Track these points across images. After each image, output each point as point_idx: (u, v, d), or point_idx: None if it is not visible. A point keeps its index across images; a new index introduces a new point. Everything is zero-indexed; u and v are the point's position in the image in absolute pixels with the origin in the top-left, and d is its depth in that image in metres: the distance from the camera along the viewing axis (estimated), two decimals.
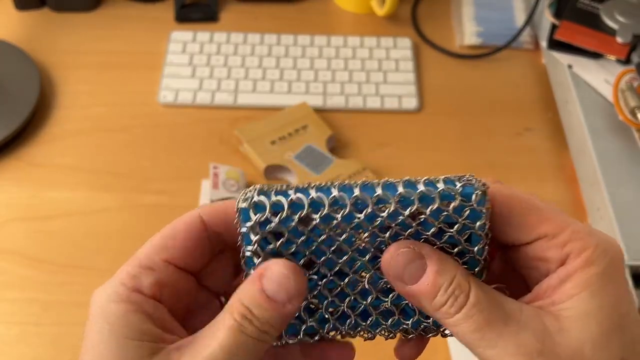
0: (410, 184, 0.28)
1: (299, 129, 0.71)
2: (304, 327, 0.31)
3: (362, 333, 0.31)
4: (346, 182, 0.29)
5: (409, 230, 0.29)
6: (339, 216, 0.28)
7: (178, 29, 0.84)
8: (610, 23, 0.74)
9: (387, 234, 0.29)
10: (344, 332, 0.31)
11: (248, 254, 0.29)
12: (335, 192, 0.28)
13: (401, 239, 0.29)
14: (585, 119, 0.69)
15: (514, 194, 0.29)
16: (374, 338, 0.32)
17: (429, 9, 0.89)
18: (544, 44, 0.79)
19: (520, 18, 0.86)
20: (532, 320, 0.27)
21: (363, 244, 0.29)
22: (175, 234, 0.30)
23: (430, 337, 0.32)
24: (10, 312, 0.59)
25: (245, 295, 0.28)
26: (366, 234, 0.29)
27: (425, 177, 0.29)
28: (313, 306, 0.31)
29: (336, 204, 0.28)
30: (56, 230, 0.65)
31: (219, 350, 0.27)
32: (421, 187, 0.28)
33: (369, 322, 0.31)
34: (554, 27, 0.77)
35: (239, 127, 0.72)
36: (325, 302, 0.31)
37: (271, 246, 0.29)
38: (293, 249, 0.29)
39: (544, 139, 0.75)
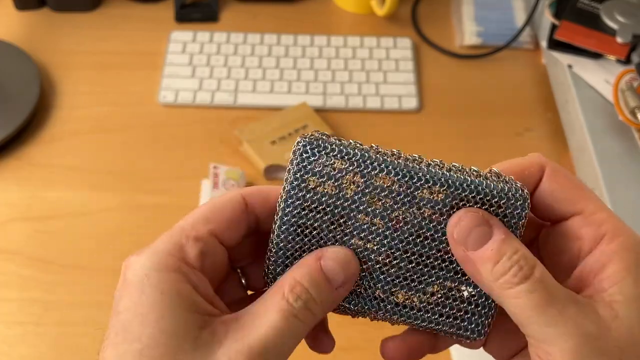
0: (460, 174, 0.29)
1: (299, 129, 0.71)
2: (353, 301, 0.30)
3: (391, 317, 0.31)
4: (404, 155, 0.30)
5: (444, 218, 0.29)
6: (388, 182, 0.29)
7: (178, 29, 0.84)
8: (610, 23, 0.74)
9: (420, 217, 0.29)
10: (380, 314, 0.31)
11: (288, 187, 0.29)
12: (389, 161, 0.29)
13: (434, 225, 0.29)
14: (585, 119, 0.69)
15: (561, 169, 0.30)
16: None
17: (429, 9, 0.89)
18: (544, 44, 0.79)
19: (520, 18, 0.86)
20: (587, 308, 0.27)
21: (397, 222, 0.29)
22: (221, 206, 0.30)
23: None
24: (10, 312, 0.59)
25: (303, 275, 0.28)
26: (402, 210, 0.29)
27: (474, 170, 0.29)
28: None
29: (388, 171, 0.29)
30: (56, 230, 0.65)
31: (271, 333, 0.26)
32: (471, 180, 0.29)
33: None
34: (554, 27, 0.77)
35: (239, 127, 0.72)
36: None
37: (313, 192, 0.29)
38: (330, 206, 0.29)
39: (544, 139, 0.75)
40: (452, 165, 0.30)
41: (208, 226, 0.29)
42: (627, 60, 0.72)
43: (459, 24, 0.87)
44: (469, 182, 0.29)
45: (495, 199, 0.29)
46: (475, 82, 0.81)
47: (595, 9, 0.75)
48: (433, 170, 0.29)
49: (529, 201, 0.29)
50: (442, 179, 0.29)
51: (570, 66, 0.74)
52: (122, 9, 0.87)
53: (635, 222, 0.60)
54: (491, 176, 0.29)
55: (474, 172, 0.29)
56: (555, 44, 0.76)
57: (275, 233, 0.30)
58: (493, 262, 0.27)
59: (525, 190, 0.29)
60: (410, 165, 0.29)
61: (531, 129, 0.76)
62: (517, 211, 0.29)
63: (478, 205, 0.29)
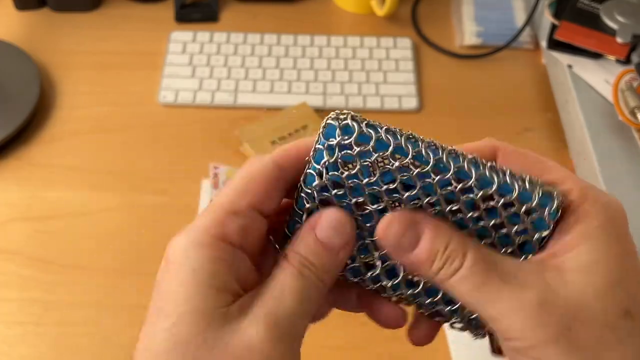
0: (494, 170, 0.28)
1: (299, 129, 0.71)
2: (369, 273, 0.31)
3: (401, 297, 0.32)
4: (434, 142, 0.29)
5: (472, 213, 0.29)
6: (416, 171, 0.28)
7: (178, 29, 0.84)
8: (610, 23, 0.74)
9: (449, 207, 0.29)
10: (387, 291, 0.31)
11: (311, 172, 0.29)
12: (422, 148, 0.28)
13: (460, 216, 0.29)
14: (585, 119, 0.69)
15: (515, 149, 0.31)
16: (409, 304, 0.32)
17: (429, 9, 0.89)
18: (544, 44, 0.79)
19: (520, 18, 0.86)
20: (532, 276, 0.27)
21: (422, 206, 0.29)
22: (255, 177, 0.29)
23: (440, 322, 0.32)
24: (10, 312, 0.59)
25: (300, 246, 0.28)
26: (430, 198, 0.28)
27: (510, 169, 0.29)
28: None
29: (419, 159, 0.28)
30: (56, 230, 0.65)
31: (288, 294, 0.27)
32: (505, 177, 0.28)
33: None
34: (554, 27, 0.77)
35: (239, 127, 0.72)
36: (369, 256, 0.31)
37: (337, 173, 0.29)
38: (353, 188, 0.29)
39: (544, 139, 0.75)
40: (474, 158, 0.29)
41: (246, 199, 0.29)
42: (627, 60, 0.72)
43: (459, 24, 0.87)
44: (497, 181, 0.28)
45: (526, 205, 0.28)
46: (475, 82, 0.81)
47: (595, 9, 0.75)
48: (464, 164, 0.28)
49: (559, 210, 0.28)
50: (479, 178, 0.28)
51: (570, 66, 0.74)
52: (122, 9, 0.87)
53: (635, 222, 0.60)
54: (529, 179, 0.28)
55: (510, 173, 0.28)
56: (555, 44, 0.76)
57: (297, 204, 0.30)
58: (429, 264, 0.28)
59: (559, 195, 0.28)
60: (439, 154, 0.28)
61: (531, 129, 0.76)
62: (548, 219, 0.28)
63: (506, 204, 0.28)
